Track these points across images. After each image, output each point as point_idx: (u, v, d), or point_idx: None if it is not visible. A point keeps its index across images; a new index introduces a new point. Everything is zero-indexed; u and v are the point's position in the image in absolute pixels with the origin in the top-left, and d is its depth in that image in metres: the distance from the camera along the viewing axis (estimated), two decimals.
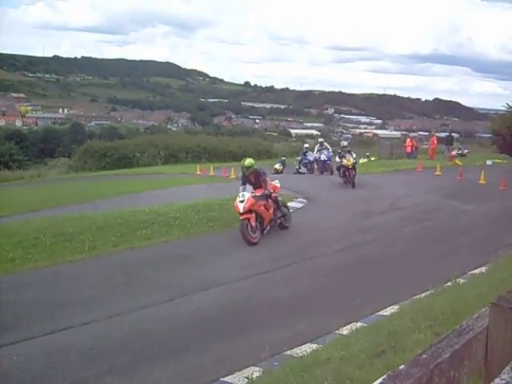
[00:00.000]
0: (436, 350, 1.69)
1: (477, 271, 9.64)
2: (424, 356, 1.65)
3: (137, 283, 10.10)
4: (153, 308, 9.00)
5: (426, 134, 43.21)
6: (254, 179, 13.54)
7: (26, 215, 15.90)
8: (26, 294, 9.78)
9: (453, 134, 40.25)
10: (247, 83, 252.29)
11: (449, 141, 34.61)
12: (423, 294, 8.08)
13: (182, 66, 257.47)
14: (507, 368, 1.57)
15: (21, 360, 7.18)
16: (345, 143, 23.73)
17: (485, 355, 1.94)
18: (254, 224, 12.66)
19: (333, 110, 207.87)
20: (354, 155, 21.09)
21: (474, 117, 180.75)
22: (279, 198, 14.05)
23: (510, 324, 1.88)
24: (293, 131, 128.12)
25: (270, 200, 13.46)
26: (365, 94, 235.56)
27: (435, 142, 34.40)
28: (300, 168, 27.73)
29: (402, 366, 1.59)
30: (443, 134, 38.87)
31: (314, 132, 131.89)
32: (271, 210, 13.41)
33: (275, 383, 5.14)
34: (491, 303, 1.93)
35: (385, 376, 1.53)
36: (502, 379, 1.52)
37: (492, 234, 13.05)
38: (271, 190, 13.71)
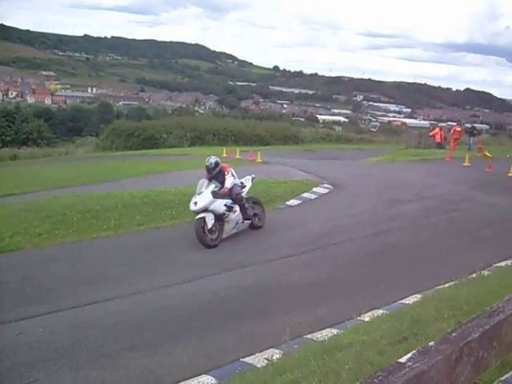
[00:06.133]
0: (466, 329, 1.68)
1: (502, 264, 9.51)
2: (454, 334, 1.64)
3: (161, 262, 10.20)
4: (176, 287, 9.09)
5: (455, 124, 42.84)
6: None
7: (54, 191, 16.08)
8: (51, 268, 9.95)
9: (475, 125, 39.58)
10: (276, 67, 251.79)
11: (470, 132, 34.01)
12: (447, 285, 8.02)
13: (212, 48, 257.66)
14: None
15: (46, 332, 7.32)
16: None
17: None
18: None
19: (361, 97, 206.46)
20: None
21: (506, 108, 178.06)
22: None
23: None
24: (320, 117, 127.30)
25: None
26: (395, 81, 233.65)
27: (456, 132, 33.67)
28: None
29: (431, 343, 1.58)
30: (469, 125, 38.16)
31: (342, 118, 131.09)
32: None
33: (296, 365, 5.15)
34: None
35: (414, 351, 1.53)
36: None
37: None
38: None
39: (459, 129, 34.22)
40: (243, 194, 12.24)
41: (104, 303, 8.36)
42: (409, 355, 1.52)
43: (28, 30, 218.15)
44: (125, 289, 8.89)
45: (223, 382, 5.70)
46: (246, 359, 6.26)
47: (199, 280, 9.41)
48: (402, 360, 1.52)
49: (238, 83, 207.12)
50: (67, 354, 6.69)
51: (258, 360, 6.14)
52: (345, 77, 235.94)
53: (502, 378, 1.47)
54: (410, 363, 1.48)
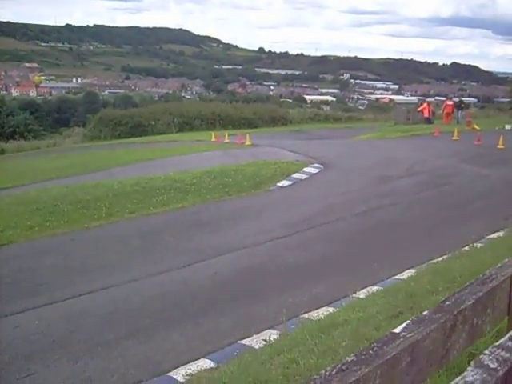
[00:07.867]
0: (459, 297, 1.68)
1: (494, 235, 9.56)
2: (447, 303, 1.64)
3: (154, 249, 10.18)
4: (170, 273, 9.08)
5: (443, 99, 42.96)
6: None
7: (44, 184, 16.01)
8: (45, 260, 9.93)
9: (463, 99, 39.77)
10: (261, 49, 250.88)
11: (458, 106, 34.06)
12: (440, 258, 8.06)
13: (196, 32, 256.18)
14: None
15: (42, 324, 7.31)
16: None
17: (508, 304, 1.93)
18: None
19: (348, 75, 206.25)
20: None
21: (493, 81, 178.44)
22: None
23: None
24: (308, 97, 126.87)
25: None
26: (381, 58, 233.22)
27: (448, 106, 33.70)
28: None
29: (425, 312, 1.58)
30: (457, 99, 38.30)
31: (329, 98, 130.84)
32: None
33: (293, 345, 5.17)
34: None
35: (409, 321, 1.53)
36: None
37: (510, 199, 12.92)
38: None
39: (451, 103, 34.21)
40: None
41: (99, 292, 8.35)
42: (403, 325, 1.52)
43: (9, 22, 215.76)
44: (119, 277, 8.88)
45: (222, 364, 5.71)
46: (244, 341, 6.28)
47: (193, 265, 9.40)
48: (397, 330, 1.52)
49: (224, 67, 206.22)
50: (64, 344, 6.69)
51: (256, 341, 6.16)
52: (331, 56, 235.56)
53: (497, 343, 1.46)
54: (404, 333, 1.48)
